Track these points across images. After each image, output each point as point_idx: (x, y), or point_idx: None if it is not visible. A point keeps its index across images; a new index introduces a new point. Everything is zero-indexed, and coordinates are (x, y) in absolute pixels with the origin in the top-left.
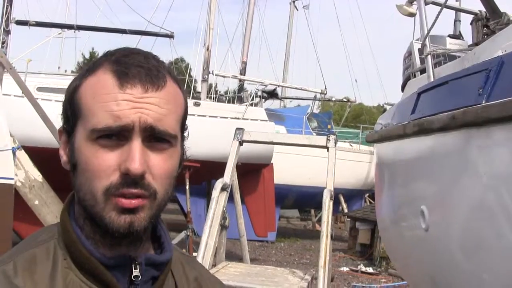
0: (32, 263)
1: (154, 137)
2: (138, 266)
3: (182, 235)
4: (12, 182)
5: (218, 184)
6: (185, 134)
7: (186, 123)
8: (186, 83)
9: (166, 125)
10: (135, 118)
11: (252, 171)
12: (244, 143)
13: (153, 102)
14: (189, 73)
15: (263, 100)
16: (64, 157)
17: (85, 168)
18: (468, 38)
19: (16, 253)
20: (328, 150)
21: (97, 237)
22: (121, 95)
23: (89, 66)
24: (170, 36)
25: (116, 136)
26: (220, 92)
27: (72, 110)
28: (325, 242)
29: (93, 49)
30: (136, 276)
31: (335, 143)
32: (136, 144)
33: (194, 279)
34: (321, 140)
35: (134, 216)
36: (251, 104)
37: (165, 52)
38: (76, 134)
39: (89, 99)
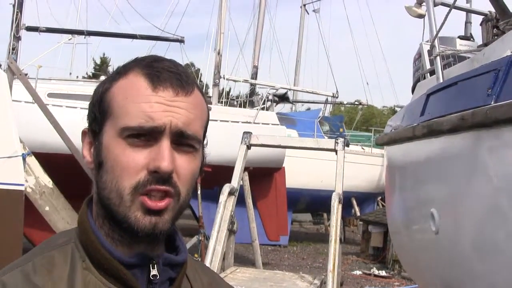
0: (51, 264)
1: (181, 140)
2: (156, 265)
3: (194, 239)
4: (22, 188)
5: (226, 188)
6: (205, 141)
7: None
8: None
9: (193, 129)
10: (166, 120)
11: (264, 175)
12: (254, 148)
13: (183, 107)
14: (200, 78)
15: (275, 104)
16: (88, 157)
17: (113, 166)
18: (479, 40)
19: (34, 255)
20: (336, 153)
21: (116, 236)
22: (154, 97)
23: (119, 70)
24: (181, 41)
25: (146, 136)
26: (231, 96)
27: (101, 110)
28: (333, 247)
29: (104, 54)
30: (154, 276)
31: (344, 146)
32: (166, 144)
33: (208, 284)
34: (330, 143)
35: (159, 217)
36: (263, 108)
37: (175, 57)
38: (104, 133)
39: (121, 99)
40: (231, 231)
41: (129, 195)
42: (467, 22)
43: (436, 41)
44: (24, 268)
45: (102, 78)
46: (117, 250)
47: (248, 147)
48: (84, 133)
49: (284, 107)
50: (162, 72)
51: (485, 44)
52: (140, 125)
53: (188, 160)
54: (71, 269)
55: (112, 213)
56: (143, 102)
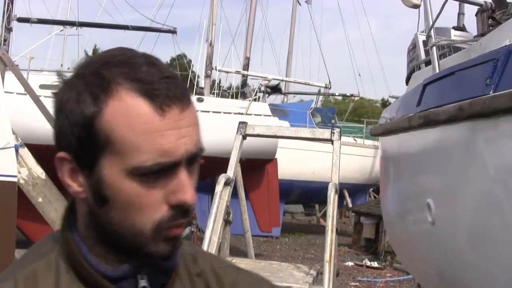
0: (34, 279)
1: (193, 161)
2: (145, 276)
3: (187, 231)
4: (15, 179)
5: (221, 178)
6: None
7: None
8: (189, 79)
9: (200, 143)
10: (182, 150)
11: (256, 167)
12: (248, 138)
13: (191, 123)
14: (192, 69)
15: (267, 95)
16: (75, 187)
17: (125, 206)
18: (472, 30)
19: (17, 268)
20: (332, 143)
21: (111, 256)
22: (163, 124)
23: (99, 85)
24: (173, 32)
25: (161, 172)
26: (223, 87)
27: (94, 140)
28: (330, 237)
29: (95, 46)
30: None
31: (340, 136)
32: (185, 175)
33: (197, 274)
34: (326, 133)
35: (177, 241)
36: (255, 99)
37: (167, 48)
38: (104, 168)
39: (125, 132)
40: (227, 222)
41: (151, 230)
42: (460, 13)
43: (432, 31)
44: (5, 286)
45: None
46: (101, 265)
47: (244, 137)
48: (61, 159)
49: (276, 99)
50: (155, 84)
51: (481, 35)
52: (157, 163)
53: (196, 176)
54: (55, 282)
55: (122, 244)
56: (153, 133)
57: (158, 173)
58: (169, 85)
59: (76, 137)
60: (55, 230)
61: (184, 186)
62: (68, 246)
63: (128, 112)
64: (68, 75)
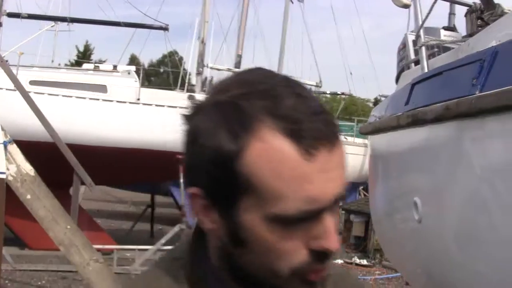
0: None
1: (337, 203)
2: None
3: (176, 229)
4: (3, 176)
5: None
6: None
7: None
8: (180, 76)
9: (346, 183)
10: (329, 195)
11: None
12: None
13: (339, 164)
14: (183, 66)
15: None
16: (209, 224)
17: (264, 251)
18: (463, 31)
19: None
20: None
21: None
22: (310, 168)
23: (238, 120)
24: (165, 28)
25: (305, 219)
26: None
27: (233, 183)
28: None
29: (87, 42)
30: None
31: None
32: (330, 220)
33: None
34: None
35: (314, 285)
36: None
37: (159, 45)
38: (241, 210)
39: (269, 178)
40: None
41: (289, 274)
42: (451, 13)
43: (421, 31)
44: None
45: (85, 66)
46: None
47: None
48: (195, 195)
49: None
50: (305, 124)
51: (469, 35)
52: (301, 210)
53: (337, 212)
54: None
55: (257, 284)
56: (300, 180)
57: (302, 220)
58: (317, 123)
59: (211, 176)
60: (172, 250)
61: (329, 232)
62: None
63: (272, 155)
64: (60, 71)
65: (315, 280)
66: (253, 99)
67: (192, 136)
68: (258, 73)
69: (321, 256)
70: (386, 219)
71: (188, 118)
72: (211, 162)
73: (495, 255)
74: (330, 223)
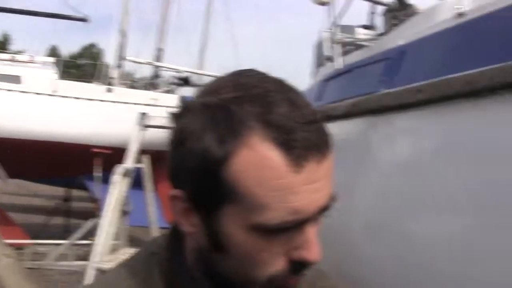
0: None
1: (321, 214)
2: None
3: (90, 223)
4: None
5: (120, 169)
6: None
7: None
8: (98, 69)
9: (333, 193)
10: (314, 207)
11: (166, 159)
12: (157, 131)
13: (326, 174)
14: (103, 59)
15: (177, 87)
16: (188, 227)
17: (242, 258)
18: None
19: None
20: None
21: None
22: (297, 180)
23: (227, 125)
24: (84, 19)
25: (288, 229)
26: (134, 78)
27: (217, 189)
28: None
29: (6, 32)
30: None
31: None
32: (313, 232)
33: None
34: None
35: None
36: (166, 91)
37: (79, 37)
38: (223, 216)
39: (255, 187)
40: (124, 212)
41: (265, 281)
42: (372, 12)
43: (335, 28)
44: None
45: (1, 56)
46: None
47: (144, 128)
48: (176, 198)
49: (187, 91)
50: (297, 133)
51: (383, 34)
52: (284, 221)
53: (321, 222)
54: None
55: (232, 285)
56: (284, 191)
57: (284, 230)
58: (309, 133)
59: (195, 180)
60: (150, 245)
61: (310, 244)
62: (173, 277)
63: (259, 164)
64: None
65: (291, 285)
66: (245, 104)
67: (179, 137)
68: (252, 75)
69: (300, 266)
70: None
71: (176, 118)
72: (196, 165)
73: (400, 249)
74: (312, 234)
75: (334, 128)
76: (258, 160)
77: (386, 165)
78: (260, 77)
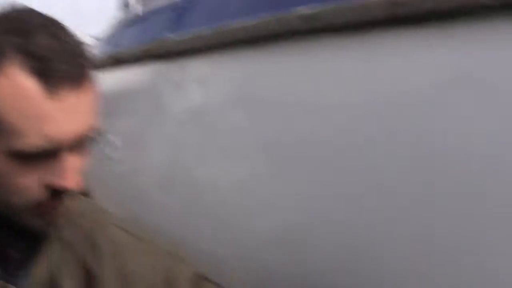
0: None
1: (80, 144)
2: (15, 245)
3: None
4: None
5: None
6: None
7: None
8: None
9: (92, 127)
10: (68, 135)
11: None
12: None
13: (86, 106)
14: None
15: None
16: None
17: (1, 184)
18: None
19: None
20: None
21: None
22: (53, 107)
23: None
24: None
25: (43, 156)
26: None
27: None
28: None
29: None
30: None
31: None
32: (68, 158)
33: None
34: None
35: (52, 216)
36: None
37: None
38: None
39: (11, 114)
40: None
41: (26, 208)
42: None
43: None
44: None
45: None
46: None
47: None
48: None
49: None
50: (54, 63)
51: None
52: (38, 148)
53: (86, 156)
54: None
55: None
56: (41, 119)
57: (40, 157)
58: (67, 64)
59: None
60: None
61: (65, 171)
62: None
63: (16, 93)
64: None
65: (53, 212)
66: (5, 35)
67: None
68: (19, 10)
69: (57, 193)
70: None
71: None
72: None
73: (189, 198)
74: (70, 163)
75: (125, 75)
76: (15, 89)
77: (178, 113)
78: (26, 12)
